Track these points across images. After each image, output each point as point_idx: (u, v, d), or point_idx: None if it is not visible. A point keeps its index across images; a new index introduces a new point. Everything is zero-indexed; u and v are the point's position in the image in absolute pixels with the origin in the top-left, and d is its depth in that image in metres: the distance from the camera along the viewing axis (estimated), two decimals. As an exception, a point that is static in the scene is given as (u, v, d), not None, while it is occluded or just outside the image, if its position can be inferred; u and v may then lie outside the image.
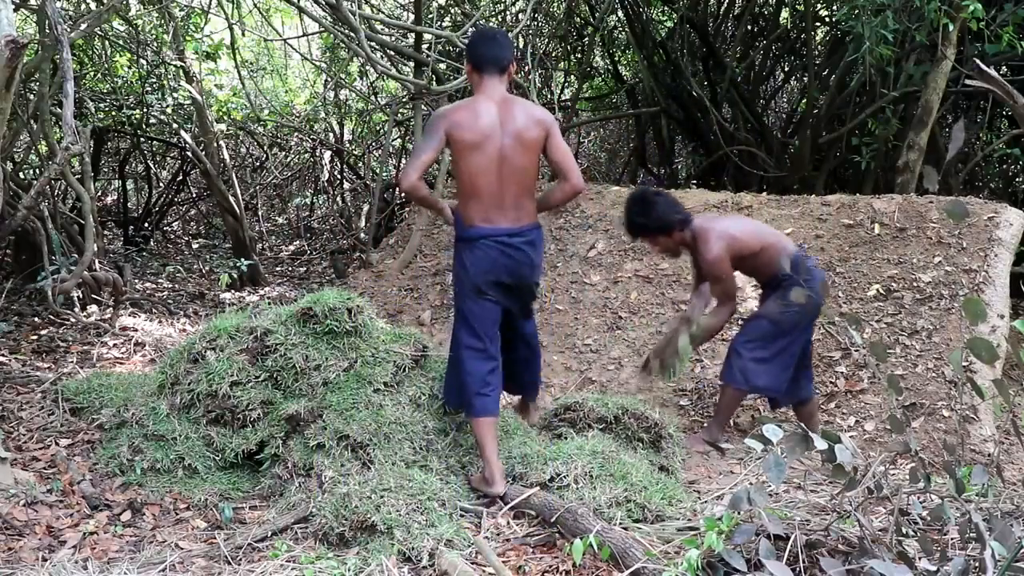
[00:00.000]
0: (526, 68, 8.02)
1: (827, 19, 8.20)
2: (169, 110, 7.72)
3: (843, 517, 2.56)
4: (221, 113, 8.15)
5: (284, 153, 10.46)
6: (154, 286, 7.11)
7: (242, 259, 6.92)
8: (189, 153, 7.87)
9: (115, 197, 10.28)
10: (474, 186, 3.35)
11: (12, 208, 5.12)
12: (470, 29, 6.47)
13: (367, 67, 8.35)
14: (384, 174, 8.17)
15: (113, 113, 7.41)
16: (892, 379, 2.50)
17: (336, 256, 8.64)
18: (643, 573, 2.49)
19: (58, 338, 5.23)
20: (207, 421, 3.45)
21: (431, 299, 5.71)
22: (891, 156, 6.74)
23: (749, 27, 8.55)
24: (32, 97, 5.48)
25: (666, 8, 8.93)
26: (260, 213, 10.01)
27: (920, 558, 2.29)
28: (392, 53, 7.25)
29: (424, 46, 6.99)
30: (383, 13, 8.44)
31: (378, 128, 9.51)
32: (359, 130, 9.89)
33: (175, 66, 7.17)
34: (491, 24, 8.29)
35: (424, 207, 4.79)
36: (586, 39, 9.03)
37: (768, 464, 2.25)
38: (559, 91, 9.87)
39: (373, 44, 6.67)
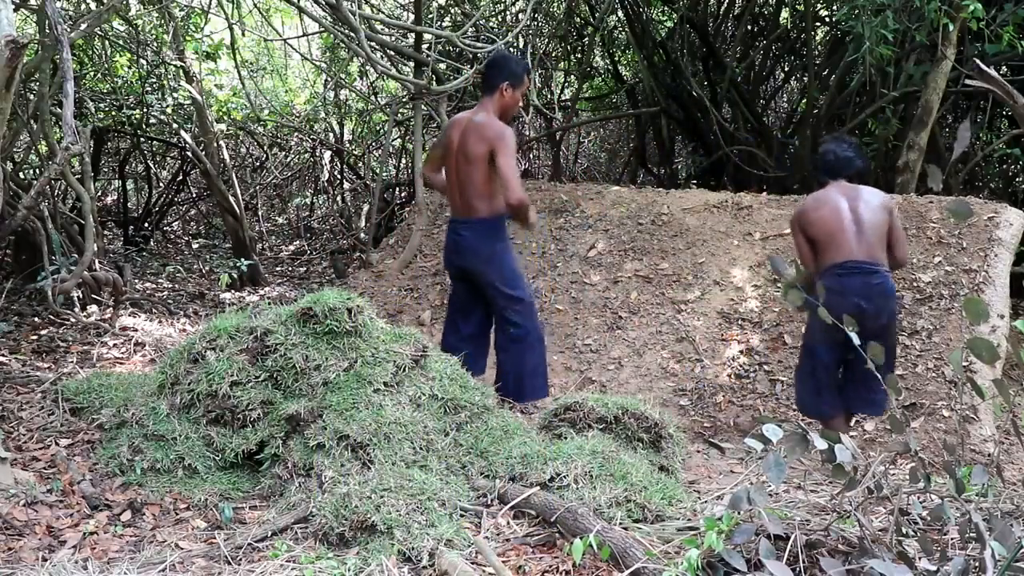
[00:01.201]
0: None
1: (827, 19, 8.21)
2: (169, 110, 7.72)
3: (843, 517, 2.56)
4: (221, 113, 8.15)
5: (284, 153, 10.46)
6: (154, 286, 7.11)
7: (242, 259, 6.92)
8: (189, 153, 7.87)
9: (115, 197, 10.27)
10: (447, 184, 4.17)
11: (12, 208, 5.11)
12: (470, 29, 6.48)
13: (367, 67, 8.35)
14: (384, 174, 8.17)
15: (113, 113, 7.41)
16: (892, 379, 2.50)
17: (336, 256, 8.64)
18: (643, 573, 2.49)
19: (58, 338, 5.23)
20: (207, 421, 3.44)
21: (431, 299, 5.71)
22: (891, 156, 6.74)
23: (749, 27, 8.55)
24: (32, 97, 5.48)
25: (666, 8, 8.93)
26: (260, 213, 10.01)
27: (920, 558, 2.29)
28: (392, 53, 7.25)
29: (424, 46, 6.99)
30: (383, 13, 8.44)
31: (378, 128, 9.52)
32: (359, 130, 9.89)
33: (175, 66, 7.17)
34: (491, 24, 8.30)
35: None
36: (586, 39, 9.04)
37: (768, 464, 2.25)
38: (559, 91, 9.88)
39: (373, 44, 6.67)
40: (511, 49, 8.09)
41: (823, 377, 3.88)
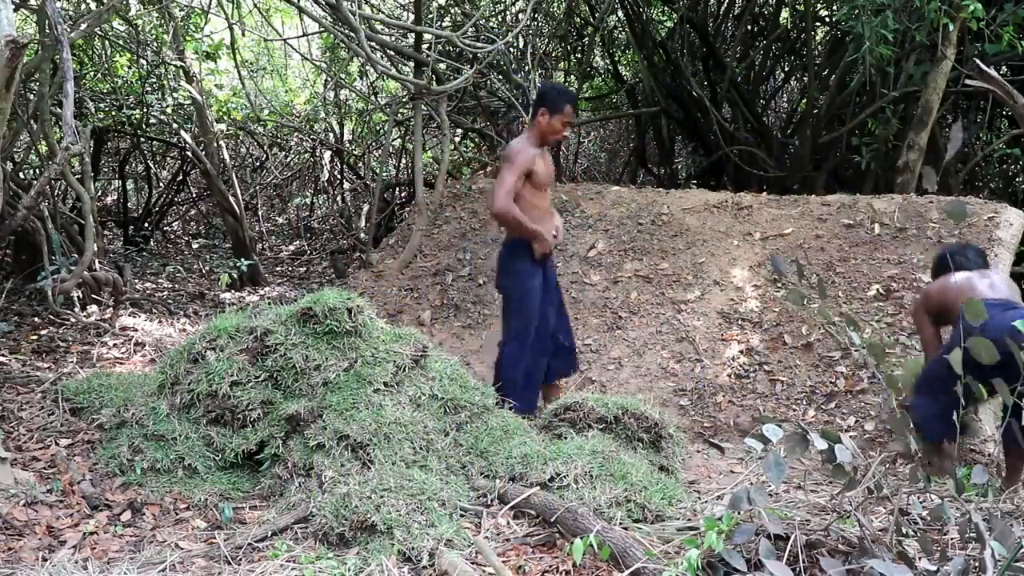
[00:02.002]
0: (526, 68, 8.02)
1: (827, 19, 8.21)
2: (169, 110, 7.72)
3: (843, 517, 2.56)
4: (221, 113, 8.15)
5: (284, 153, 10.46)
6: (154, 286, 7.11)
7: (242, 259, 6.92)
8: (189, 153, 7.87)
9: (115, 197, 10.28)
10: None
11: (12, 208, 5.11)
12: (470, 29, 6.48)
13: (367, 67, 8.35)
14: (384, 174, 8.17)
15: (113, 113, 7.41)
16: (891, 379, 2.50)
17: (336, 256, 8.64)
18: (643, 573, 2.49)
19: (58, 338, 5.23)
20: (207, 421, 3.45)
21: (431, 299, 5.71)
22: (891, 156, 6.74)
23: (749, 27, 8.55)
24: (32, 97, 5.48)
25: (666, 8, 8.93)
26: (260, 213, 10.02)
27: (920, 558, 2.29)
28: (392, 53, 7.25)
29: (424, 46, 6.99)
30: (383, 13, 8.44)
31: (378, 128, 9.52)
32: (359, 130, 9.89)
33: (175, 66, 7.17)
34: (491, 24, 8.30)
35: None
36: (586, 39, 9.03)
37: (768, 464, 2.25)
38: (559, 91, 9.85)
39: (373, 44, 6.67)
40: (511, 49, 8.09)
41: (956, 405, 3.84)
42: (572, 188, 6.60)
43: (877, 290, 4.90)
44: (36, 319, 5.59)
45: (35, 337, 5.23)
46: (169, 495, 3.25)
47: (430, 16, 7.93)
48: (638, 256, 5.59)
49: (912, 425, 3.92)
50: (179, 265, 7.75)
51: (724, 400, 4.61)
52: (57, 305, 5.16)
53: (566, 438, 3.53)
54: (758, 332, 4.92)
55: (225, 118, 8.35)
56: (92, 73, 7.45)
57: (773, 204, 5.73)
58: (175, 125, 7.97)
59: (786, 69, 9.18)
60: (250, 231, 7.75)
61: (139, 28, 7.21)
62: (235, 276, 6.73)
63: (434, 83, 6.38)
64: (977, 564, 2.11)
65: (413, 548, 2.76)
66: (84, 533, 2.92)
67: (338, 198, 10.42)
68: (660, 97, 8.47)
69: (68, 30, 4.27)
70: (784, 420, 4.30)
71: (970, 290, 3.72)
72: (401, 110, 8.21)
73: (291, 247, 9.76)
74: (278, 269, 8.68)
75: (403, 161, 9.48)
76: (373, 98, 9.23)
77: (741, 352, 4.84)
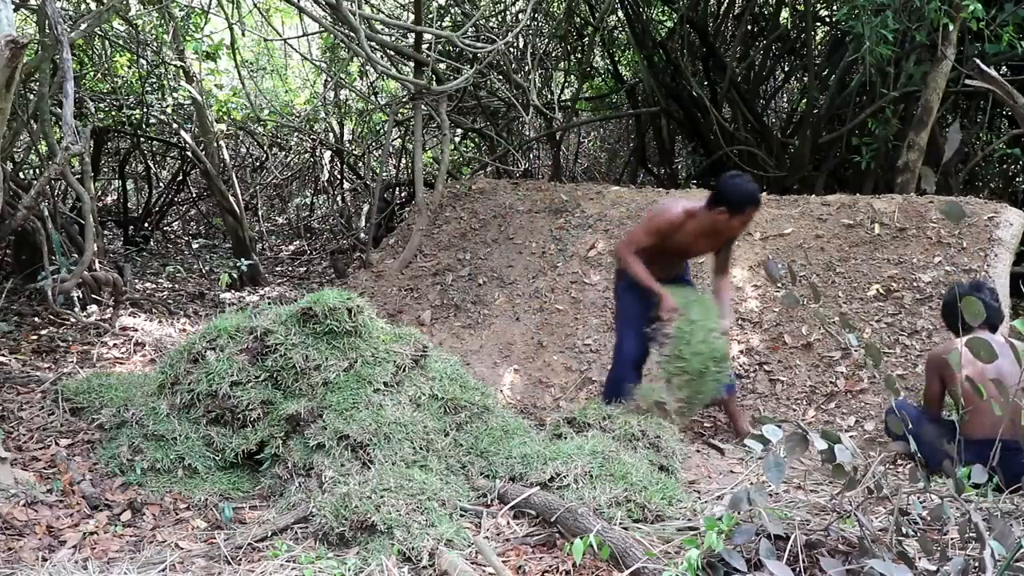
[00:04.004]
0: (526, 68, 8.02)
1: (827, 19, 8.21)
2: (169, 110, 7.72)
3: (843, 517, 2.56)
4: (221, 113, 8.15)
5: (284, 153, 10.46)
6: (154, 286, 7.11)
7: (242, 259, 6.91)
8: (189, 153, 7.87)
9: (115, 197, 10.28)
10: None
11: (12, 208, 5.12)
12: (470, 29, 6.47)
13: (367, 67, 8.35)
14: (384, 174, 8.17)
15: (113, 113, 7.41)
16: (889, 379, 2.50)
17: (336, 256, 8.64)
18: (643, 573, 2.49)
19: (58, 338, 5.23)
20: (207, 421, 3.45)
21: (431, 299, 5.71)
22: (891, 156, 6.74)
23: (749, 27, 8.54)
24: (32, 97, 5.48)
25: (666, 8, 8.93)
26: (260, 213, 10.02)
27: (920, 558, 2.30)
28: (392, 53, 7.25)
29: (424, 46, 6.99)
30: (383, 13, 8.44)
31: (378, 128, 9.52)
32: (359, 130, 9.89)
33: (175, 66, 7.17)
34: (491, 24, 8.30)
35: None
36: (586, 39, 9.03)
37: (768, 464, 2.25)
38: (559, 91, 9.88)
39: (373, 44, 6.67)
40: (511, 49, 8.09)
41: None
42: (572, 188, 6.60)
43: (877, 290, 4.90)
44: (36, 319, 5.58)
45: (35, 337, 5.23)
46: (169, 495, 3.25)
47: (430, 16, 7.93)
48: (638, 256, 5.58)
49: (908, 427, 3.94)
50: (179, 265, 7.75)
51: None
52: (57, 305, 5.16)
53: (566, 438, 3.53)
54: (758, 332, 4.92)
55: (225, 118, 8.35)
56: (92, 73, 7.45)
57: (773, 204, 5.73)
58: (175, 125, 7.97)
59: (786, 69, 9.18)
60: (250, 231, 7.75)
61: (139, 28, 7.21)
62: (235, 276, 6.72)
63: (434, 83, 6.38)
64: (977, 564, 2.11)
65: (413, 548, 2.76)
66: (84, 533, 2.92)
67: (338, 198, 10.43)
68: (660, 97, 8.46)
69: (68, 30, 4.27)
70: (784, 420, 4.30)
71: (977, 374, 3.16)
72: (401, 110, 8.21)
73: (291, 247, 9.76)
74: (278, 269, 8.68)
75: (403, 161, 9.48)
76: (373, 98, 9.23)
77: (741, 352, 4.84)
